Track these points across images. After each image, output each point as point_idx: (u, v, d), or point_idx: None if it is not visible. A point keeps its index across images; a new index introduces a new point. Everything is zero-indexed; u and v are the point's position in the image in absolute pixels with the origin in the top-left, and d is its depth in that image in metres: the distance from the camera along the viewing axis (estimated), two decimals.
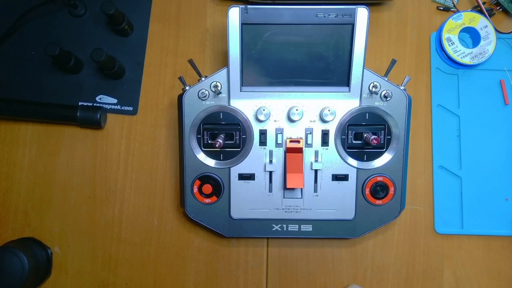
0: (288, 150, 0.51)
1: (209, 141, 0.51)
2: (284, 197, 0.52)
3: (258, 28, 0.48)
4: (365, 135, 0.50)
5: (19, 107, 0.56)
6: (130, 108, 0.58)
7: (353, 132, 0.51)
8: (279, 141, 0.51)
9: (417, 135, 0.57)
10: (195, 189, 0.52)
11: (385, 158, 0.51)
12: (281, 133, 0.51)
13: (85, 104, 0.58)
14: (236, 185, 0.52)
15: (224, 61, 0.58)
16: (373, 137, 0.48)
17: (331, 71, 0.49)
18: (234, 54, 0.49)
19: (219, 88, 0.50)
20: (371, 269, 0.56)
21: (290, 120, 0.50)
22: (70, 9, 0.58)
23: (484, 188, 0.57)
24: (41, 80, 0.58)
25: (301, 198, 0.52)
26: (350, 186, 0.52)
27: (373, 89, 0.50)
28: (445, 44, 0.56)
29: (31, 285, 0.53)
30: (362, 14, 0.47)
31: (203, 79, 0.50)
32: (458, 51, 0.56)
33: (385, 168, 0.51)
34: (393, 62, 0.49)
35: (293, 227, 0.52)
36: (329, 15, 0.47)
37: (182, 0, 0.59)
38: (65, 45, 0.57)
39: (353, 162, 0.51)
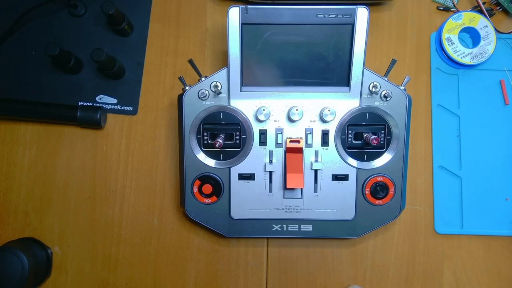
0: (288, 150, 0.51)
1: (209, 141, 0.51)
2: (284, 197, 0.52)
3: (258, 28, 0.48)
4: (365, 135, 0.50)
5: (19, 107, 0.56)
6: (130, 108, 0.58)
7: (353, 132, 0.51)
8: (279, 141, 0.51)
9: (417, 135, 0.57)
10: (195, 189, 0.52)
11: (385, 158, 0.51)
12: (281, 133, 0.51)
13: (85, 104, 0.58)
14: (236, 185, 0.52)
15: (224, 61, 0.58)
16: (373, 137, 0.48)
17: (331, 71, 0.49)
18: (234, 54, 0.49)
19: (219, 88, 0.50)
20: (371, 269, 0.56)
21: (290, 120, 0.50)
22: (70, 9, 0.58)
23: (484, 188, 0.56)
24: (41, 80, 0.58)
25: (301, 198, 0.52)
26: (350, 186, 0.52)
27: (373, 89, 0.50)
28: (445, 44, 0.56)
29: (31, 285, 0.53)
30: (362, 14, 0.47)
31: (203, 79, 0.50)
32: (458, 51, 0.56)
33: (385, 168, 0.51)
34: (393, 62, 0.49)
35: (293, 227, 0.52)
36: (329, 15, 0.47)
37: (182, 0, 0.59)
38: (65, 45, 0.57)
39: (353, 162, 0.51)
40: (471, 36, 0.58)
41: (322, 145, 0.51)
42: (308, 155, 0.51)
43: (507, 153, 0.57)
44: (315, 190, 0.52)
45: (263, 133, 0.51)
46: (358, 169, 0.51)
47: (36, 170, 0.57)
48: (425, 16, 0.59)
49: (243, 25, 0.47)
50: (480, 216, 0.56)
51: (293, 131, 0.51)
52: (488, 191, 0.56)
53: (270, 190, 0.52)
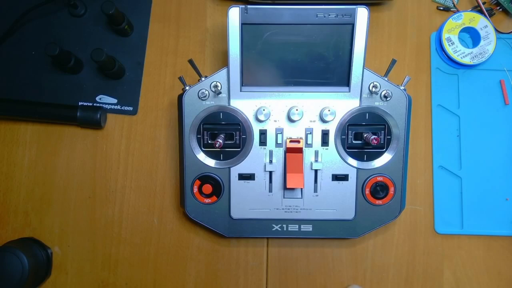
0: (288, 150, 0.51)
1: (209, 141, 0.51)
2: (284, 197, 0.52)
3: (258, 28, 0.48)
4: (365, 135, 0.50)
5: (19, 107, 0.56)
6: (130, 108, 0.58)
7: (353, 132, 0.51)
8: (279, 141, 0.51)
9: (417, 135, 0.57)
10: (195, 189, 0.52)
11: (385, 158, 0.51)
12: (281, 133, 0.51)
13: (85, 104, 0.58)
14: (236, 185, 0.52)
15: (224, 61, 0.58)
16: (373, 137, 0.48)
17: (331, 71, 0.49)
18: (234, 54, 0.49)
19: (219, 88, 0.50)
20: (371, 269, 0.56)
21: (290, 120, 0.50)
22: (70, 9, 0.58)
23: (484, 188, 0.56)
24: (41, 80, 0.58)
25: (301, 198, 0.52)
26: (350, 186, 0.52)
27: (373, 89, 0.50)
28: (445, 44, 0.56)
29: (31, 285, 0.53)
30: (362, 14, 0.47)
31: (203, 79, 0.50)
32: (458, 51, 0.56)
33: (385, 168, 0.51)
34: (393, 62, 0.49)
35: (293, 227, 0.52)
36: (329, 15, 0.47)
37: (182, 0, 0.59)
38: (65, 45, 0.57)
39: (353, 162, 0.51)
40: (471, 36, 0.58)
41: (322, 145, 0.51)
42: (308, 155, 0.51)
43: (507, 153, 0.57)
44: (315, 190, 0.52)
45: (263, 133, 0.51)
46: (358, 169, 0.51)
47: (36, 170, 0.57)
48: (425, 16, 0.59)
49: (243, 25, 0.47)
50: (480, 216, 0.56)
51: (293, 131, 0.51)
52: (488, 191, 0.56)
53: (270, 190, 0.52)
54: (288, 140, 0.51)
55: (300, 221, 0.52)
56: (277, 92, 0.50)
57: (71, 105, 0.56)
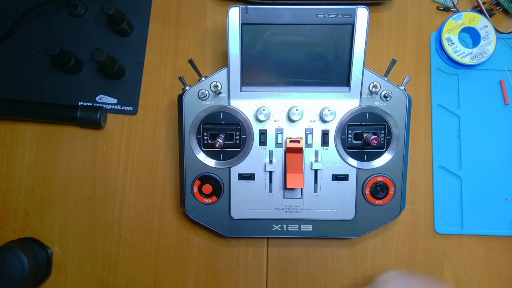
0: (288, 150, 0.51)
1: (209, 141, 0.51)
2: (284, 197, 0.52)
3: (258, 28, 0.48)
4: (365, 135, 0.50)
5: (19, 107, 0.56)
6: (130, 108, 0.58)
7: (353, 132, 0.51)
8: (279, 141, 0.51)
9: (417, 135, 0.57)
10: (195, 189, 0.52)
11: (385, 158, 0.51)
12: (281, 133, 0.51)
13: (85, 104, 0.58)
14: (236, 185, 0.52)
15: (224, 61, 0.58)
16: (373, 137, 0.48)
17: (331, 71, 0.49)
18: (234, 54, 0.49)
19: (219, 88, 0.50)
20: (371, 269, 0.56)
21: (290, 120, 0.50)
22: (70, 9, 0.58)
23: (484, 188, 0.56)
24: (41, 80, 0.58)
25: (301, 198, 0.52)
26: (350, 186, 0.52)
27: (373, 89, 0.50)
28: (445, 44, 0.56)
29: (31, 285, 0.53)
30: (362, 14, 0.47)
31: (203, 79, 0.50)
32: (458, 51, 0.56)
33: (385, 168, 0.51)
34: (393, 62, 0.49)
35: (293, 227, 0.52)
36: (329, 15, 0.47)
37: (182, 0, 0.59)
38: (65, 45, 0.57)
39: (353, 162, 0.51)
40: (471, 36, 0.58)
41: (322, 145, 0.51)
42: (308, 155, 0.51)
43: (507, 153, 0.57)
44: (315, 190, 0.52)
45: (263, 133, 0.51)
46: (358, 169, 0.51)
47: (36, 170, 0.57)
48: (425, 16, 0.59)
49: (243, 25, 0.47)
50: (480, 216, 0.56)
51: (293, 131, 0.51)
52: (488, 191, 0.56)
53: (270, 190, 0.52)
54: (288, 140, 0.51)
55: (300, 221, 0.52)
56: (277, 92, 0.50)
57: (71, 105, 0.56)
